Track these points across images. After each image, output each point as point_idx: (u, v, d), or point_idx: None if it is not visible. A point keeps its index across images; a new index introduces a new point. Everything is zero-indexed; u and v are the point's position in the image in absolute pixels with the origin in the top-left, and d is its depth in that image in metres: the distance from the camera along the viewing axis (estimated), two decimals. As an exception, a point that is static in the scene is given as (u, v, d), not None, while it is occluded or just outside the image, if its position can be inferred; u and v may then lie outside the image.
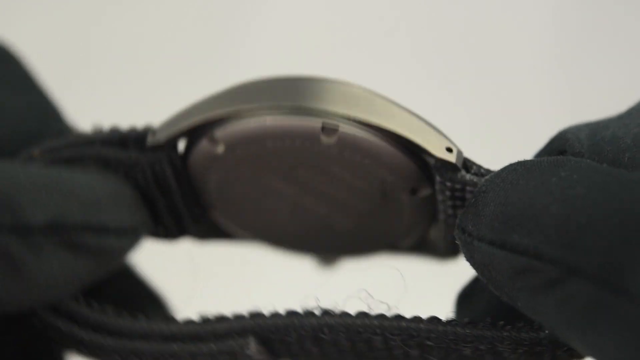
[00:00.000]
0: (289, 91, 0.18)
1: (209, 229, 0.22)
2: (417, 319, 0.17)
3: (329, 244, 0.22)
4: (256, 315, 0.17)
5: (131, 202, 0.19)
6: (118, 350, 0.17)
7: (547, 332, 0.16)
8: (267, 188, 0.20)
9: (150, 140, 0.19)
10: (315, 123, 0.18)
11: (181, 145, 0.19)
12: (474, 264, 0.16)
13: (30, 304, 0.17)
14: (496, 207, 0.15)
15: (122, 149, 0.19)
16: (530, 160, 0.16)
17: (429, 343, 0.17)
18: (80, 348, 0.18)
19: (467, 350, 0.17)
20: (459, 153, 0.18)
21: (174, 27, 0.56)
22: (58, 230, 0.16)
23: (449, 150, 0.18)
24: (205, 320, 0.18)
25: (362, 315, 0.17)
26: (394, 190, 0.19)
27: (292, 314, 0.17)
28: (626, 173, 0.15)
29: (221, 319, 0.18)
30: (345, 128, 0.18)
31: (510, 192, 0.15)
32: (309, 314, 0.17)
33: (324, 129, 0.18)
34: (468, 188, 0.17)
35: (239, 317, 0.17)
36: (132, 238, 0.19)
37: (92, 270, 0.18)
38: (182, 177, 0.20)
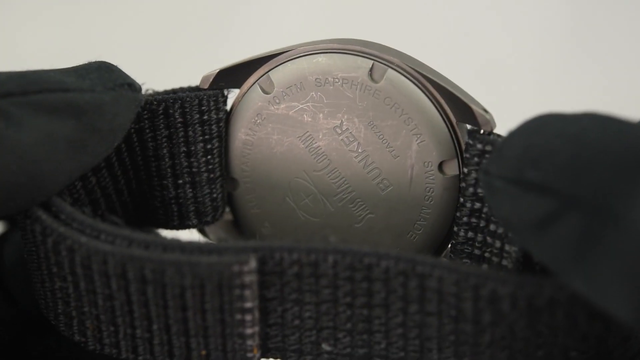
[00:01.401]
0: (343, 40, 0.20)
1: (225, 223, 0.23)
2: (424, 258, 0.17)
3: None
4: (259, 243, 0.17)
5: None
6: (114, 255, 0.17)
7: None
8: (295, 163, 0.21)
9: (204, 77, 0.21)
10: (366, 63, 0.19)
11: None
12: (493, 206, 0.17)
13: (24, 183, 0.17)
14: (518, 149, 0.16)
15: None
16: (557, 113, 0.17)
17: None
18: (74, 252, 0.17)
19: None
20: (492, 117, 0.19)
21: (174, 25, 0.56)
22: (19, 95, 0.17)
23: (486, 111, 0.19)
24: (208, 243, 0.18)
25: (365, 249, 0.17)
26: (422, 163, 0.20)
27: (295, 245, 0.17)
28: (636, 122, 0.16)
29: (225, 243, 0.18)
30: (394, 74, 0.19)
31: (533, 136, 0.16)
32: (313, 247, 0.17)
33: (373, 69, 0.19)
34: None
35: (242, 243, 0.17)
36: (108, 95, 0.18)
37: (79, 135, 0.18)
38: (222, 127, 0.21)
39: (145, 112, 0.20)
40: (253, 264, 0.16)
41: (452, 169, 0.19)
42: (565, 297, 0.16)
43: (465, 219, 0.19)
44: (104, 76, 0.18)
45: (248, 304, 0.17)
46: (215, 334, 0.17)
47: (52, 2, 0.54)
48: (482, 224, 0.19)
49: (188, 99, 0.20)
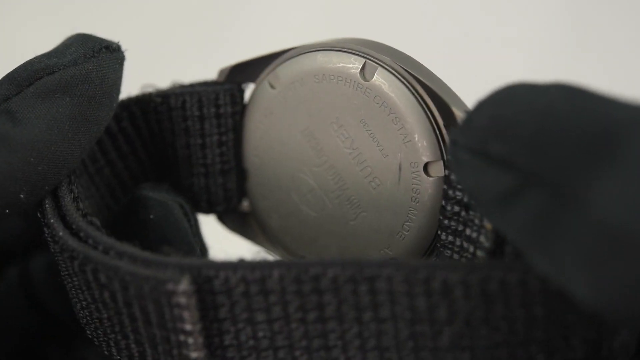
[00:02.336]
0: (341, 39, 0.20)
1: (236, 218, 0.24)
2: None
3: (344, 246, 0.22)
4: (200, 261, 0.17)
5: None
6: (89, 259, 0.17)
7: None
8: (297, 159, 0.21)
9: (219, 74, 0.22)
10: (358, 62, 0.20)
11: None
12: (459, 177, 0.17)
13: (46, 170, 0.18)
14: (485, 119, 0.16)
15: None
16: (528, 83, 0.16)
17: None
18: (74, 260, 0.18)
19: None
20: None
21: (174, 23, 0.56)
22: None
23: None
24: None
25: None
26: (409, 163, 0.20)
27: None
28: (608, 96, 0.15)
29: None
30: (384, 72, 0.19)
31: (501, 107, 0.16)
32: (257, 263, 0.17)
33: (365, 67, 0.19)
34: None
35: (181, 260, 0.17)
36: (90, 63, 0.19)
37: (77, 109, 0.19)
38: (237, 120, 0.22)
39: (164, 104, 0.21)
40: (185, 285, 0.16)
41: (437, 170, 0.19)
42: (515, 280, 0.15)
43: (447, 222, 0.19)
44: (81, 47, 0.19)
45: (187, 326, 0.16)
46: (165, 351, 0.17)
47: (52, 2, 0.54)
48: (460, 227, 0.19)
49: (205, 93, 0.21)
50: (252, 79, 0.22)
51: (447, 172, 0.19)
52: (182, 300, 0.16)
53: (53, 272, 0.21)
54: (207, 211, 0.23)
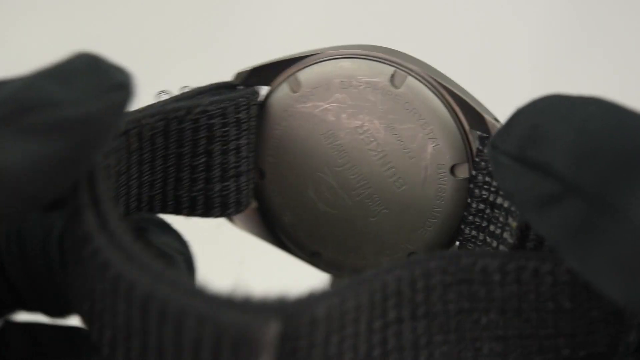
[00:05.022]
0: (368, 46, 0.21)
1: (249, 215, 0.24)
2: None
3: (361, 242, 0.23)
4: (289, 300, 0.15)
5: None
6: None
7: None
8: (318, 158, 0.22)
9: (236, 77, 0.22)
10: (388, 70, 0.20)
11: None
12: (497, 179, 0.18)
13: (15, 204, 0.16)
14: (524, 127, 0.17)
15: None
16: (565, 95, 0.17)
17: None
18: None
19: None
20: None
21: (174, 21, 0.56)
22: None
23: (497, 120, 0.20)
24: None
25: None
26: (436, 166, 0.21)
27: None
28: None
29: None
30: (413, 81, 0.20)
31: (539, 116, 0.17)
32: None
33: (394, 76, 0.20)
34: None
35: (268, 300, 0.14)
36: (96, 105, 0.17)
37: (68, 153, 0.16)
38: (252, 124, 0.22)
39: (189, 121, 0.20)
40: (274, 329, 0.14)
41: (463, 172, 0.21)
42: (547, 270, 0.16)
43: (471, 217, 0.20)
44: (92, 80, 0.17)
45: None
46: None
47: (52, 1, 0.54)
48: (484, 224, 0.20)
49: (228, 106, 0.21)
50: (267, 82, 0.22)
51: (473, 172, 0.20)
52: (264, 350, 0.14)
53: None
54: (219, 216, 0.23)
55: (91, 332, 0.16)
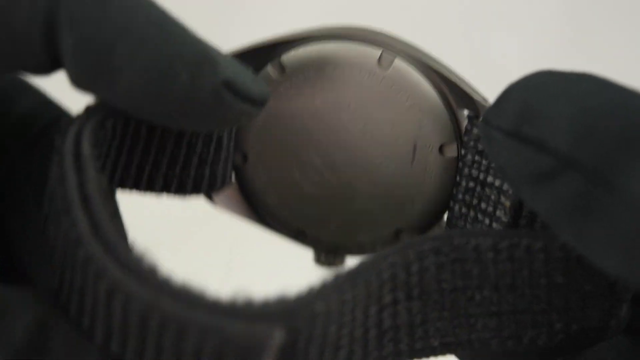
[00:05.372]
0: (353, 28, 0.21)
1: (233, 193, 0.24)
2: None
3: (347, 220, 0.23)
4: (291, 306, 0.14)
5: None
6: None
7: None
8: (303, 140, 0.22)
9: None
10: (375, 52, 0.20)
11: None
12: (490, 154, 0.18)
13: None
14: (517, 103, 0.17)
15: None
16: (557, 71, 0.17)
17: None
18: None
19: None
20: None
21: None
22: None
23: (485, 100, 0.20)
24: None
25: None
26: (424, 145, 0.21)
27: None
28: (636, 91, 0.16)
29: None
30: (401, 63, 0.20)
31: (533, 92, 0.17)
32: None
33: (382, 58, 0.20)
34: None
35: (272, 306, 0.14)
36: None
37: None
38: None
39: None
40: (279, 338, 0.14)
41: (451, 151, 0.21)
42: (539, 246, 0.16)
43: (460, 195, 0.21)
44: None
45: None
46: None
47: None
48: (475, 202, 0.20)
49: None
50: (250, 65, 0.21)
51: (463, 151, 0.20)
52: (268, 357, 0.14)
53: None
54: (204, 193, 0.22)
55: (74, 316, 0.15)
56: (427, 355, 0.17)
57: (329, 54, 0.21)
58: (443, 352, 0.17)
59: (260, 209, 0.24)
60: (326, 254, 0.24)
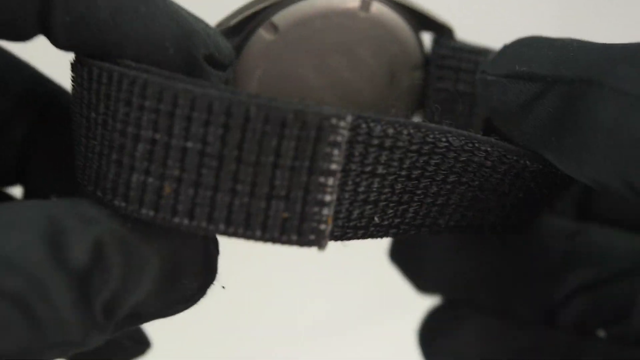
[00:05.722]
0: None
1: None
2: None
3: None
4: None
5: None
6: (221, 99, 0.17)
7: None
8: (302, 83, 0.24)
9: (220, 26, 0.23)
10: (355, 1, 0.23)
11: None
12: (483, 95, 0.21)
13: None
14: (511, 54, 0.20)
15: None
16: (550, 38, 0.20)
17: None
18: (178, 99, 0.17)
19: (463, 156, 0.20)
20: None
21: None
22: None
23: (447, 23, 0.24)
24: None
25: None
26: (399, 70, 0.24)
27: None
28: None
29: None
30: (377, 5, 0.23)
31: (525, 47, 0.20)
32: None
33: (362, 3, 0.23)
34: (463, 55, 0.24)
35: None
36: None
37: None
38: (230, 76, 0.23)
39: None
40: (350, 118, 0.17)
41: (421, 70, 0.25)
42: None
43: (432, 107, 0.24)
44: None
45: (334, 166, 0.17)
46: (295, 199, 0.17)
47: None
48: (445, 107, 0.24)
49: None
50: (239, 32, 0.23)
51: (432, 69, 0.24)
52: (339, 138, 0.17)
53: None
54: None
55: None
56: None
57: (316, 7, 0.23)
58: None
59: None
60: None
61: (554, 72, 0.19)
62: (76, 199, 0.18)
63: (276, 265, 0.46)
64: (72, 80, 0.20)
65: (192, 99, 0.17)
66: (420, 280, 0.27)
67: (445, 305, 0.27)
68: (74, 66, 0.19)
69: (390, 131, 0.18)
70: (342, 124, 0.17)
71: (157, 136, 0.17)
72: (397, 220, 0.20)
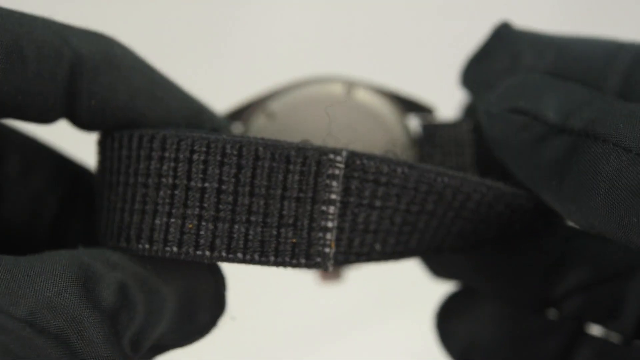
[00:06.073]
0: (325, 75, 0.27)
1: None
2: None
3: None
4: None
5: None
6: (232, 141, 0.19)
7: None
8: None
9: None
10: (340, 86, 0.27)
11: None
12: (486, 126, 0.22)
13: None
14: (516, 93, 0.22)
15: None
16: (552, 79, 0.22)
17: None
18: (190, 147, 0.20)
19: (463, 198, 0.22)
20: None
21: (171, 24, 0.57)
22: None
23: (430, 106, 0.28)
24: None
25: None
26: (389, 151, 0.26)
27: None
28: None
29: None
30: (362, 92, 0.27)
31: (530, 86, 0.22)
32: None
33: (348, 88, 0.27)
34: (448, 132, 0.26)
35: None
36: None
37: None
38: None
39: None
40: (345, 154, 0.20)
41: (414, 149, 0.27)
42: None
43: None
44: None
45: (333, 196, 0.19)
46: (302, 226, 0.19)
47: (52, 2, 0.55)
48: None
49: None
50: (239, 117, 0.27)
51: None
52: (337, 171, 0.19)
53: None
54: None
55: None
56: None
57: (306, 95, 0.26)
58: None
59: None
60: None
61: (561, 121, 0.20)
62: (100, 249, 0.20)
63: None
64: (97, 153, 0.22)
65: (207, 144, 0.19)
66: (435, 269, 0.29)
67: (462, 290, 0.29)
68: (98, 140, 0.22)
69: (385, 168, 0.20)
70: (338, 158, 0.19)
71: (177, 181, 0.19)
72: (399, 248, 0.22)
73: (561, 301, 0.26)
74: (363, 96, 0.27)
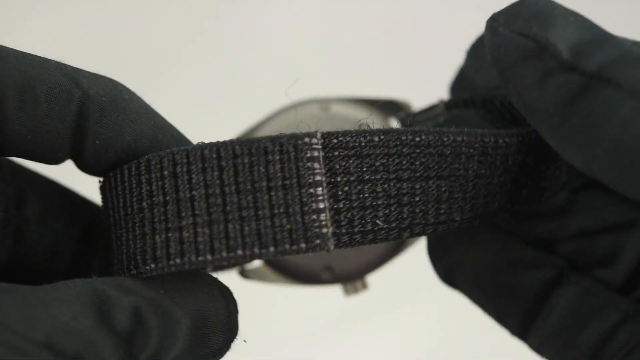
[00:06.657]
0: (304, 99, 0.31)
1: None
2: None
3: None
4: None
5: None
6: (210, 146, 0.20)
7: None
8: None
9: None
10: (318, 105, 0.30)
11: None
12: (490, 44, 0.21)
13: None
14: (529, 18, 0.20)
15: None
16: (570, 11, 0.21)
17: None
18: (173, 160, 0.21)
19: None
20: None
21: (169, 26, 0.57)
22: None
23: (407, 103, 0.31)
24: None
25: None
26: None
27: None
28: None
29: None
30: (336, 104, 0.30)
31: (544, 13, 0.21)
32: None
33: (325, 105, 0.30)
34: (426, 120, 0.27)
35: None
36: None
37: None
38: None
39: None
40: (319, 135, 0.20)
41: None
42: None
43: None
44: None
45: (318, 177, 0.20)
46: (294, 212, 0.20)
47: (52, 2, 0.55)
48: None
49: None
50: None
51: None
52: (315, 153, 0.20)
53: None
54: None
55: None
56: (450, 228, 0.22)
57: (288, 120, 0.29)
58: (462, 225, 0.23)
59: (286, 262, 0.30)
60: (352, 282, 0.31)
61: (573, 59, 0.19)
62: (114, 277, 0.21)
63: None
64: (100, 199, 0.23)
65: (187, 155, 0.20)
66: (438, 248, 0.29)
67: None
68: (100, 186, 0.23)
69: (362, 140, 0.21)
70: (314, 140, 0.20)
71: (168, 197, 0.20)
72: (406, 222, 0.21)
73: (560, 243, 0.26)
74: (338, 109, 0.29)
